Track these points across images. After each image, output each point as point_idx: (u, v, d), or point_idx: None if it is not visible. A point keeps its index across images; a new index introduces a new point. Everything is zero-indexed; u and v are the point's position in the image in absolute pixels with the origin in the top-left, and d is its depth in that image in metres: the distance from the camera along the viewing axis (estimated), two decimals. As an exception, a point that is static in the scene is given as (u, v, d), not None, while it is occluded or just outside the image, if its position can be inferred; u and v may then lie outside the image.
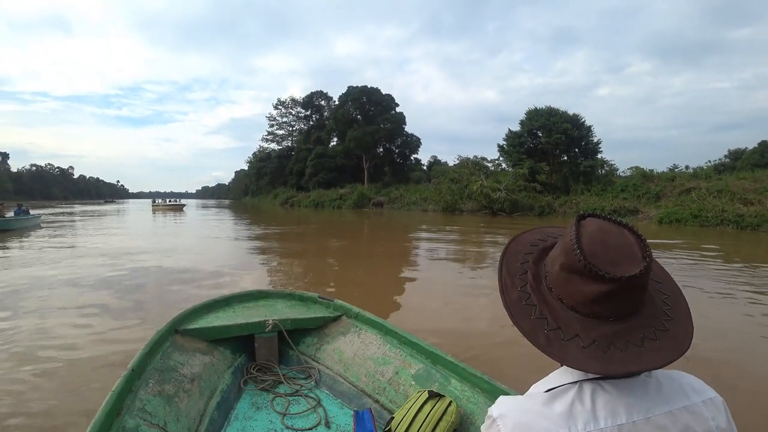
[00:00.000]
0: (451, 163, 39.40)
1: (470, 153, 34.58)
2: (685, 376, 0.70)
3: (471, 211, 28.68)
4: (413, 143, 49.14)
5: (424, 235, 15.04)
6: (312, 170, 50.77)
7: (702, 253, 10.26)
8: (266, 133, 72.19)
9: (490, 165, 32.97)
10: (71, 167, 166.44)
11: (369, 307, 2.47)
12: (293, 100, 69.16)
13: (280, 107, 69.75)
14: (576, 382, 0.66)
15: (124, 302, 4.99)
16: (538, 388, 0.71)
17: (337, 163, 50.00)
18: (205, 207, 52.04)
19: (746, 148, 34.28)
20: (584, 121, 31.11)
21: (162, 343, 2.03)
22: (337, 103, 53.46)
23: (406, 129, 48.76)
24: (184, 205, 41.79)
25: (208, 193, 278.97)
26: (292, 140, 69.93)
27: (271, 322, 2.37)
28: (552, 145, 30.06)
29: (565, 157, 31.50)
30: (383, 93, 49.26)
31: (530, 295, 0.71)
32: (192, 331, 2.25)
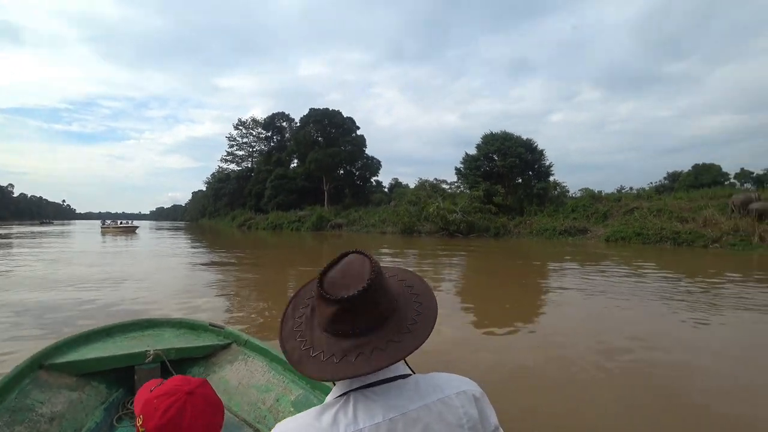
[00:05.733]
0: (413, 186, 39.81)
1: (432, 176, 35.20)
2: (444, 376, 0.82)
3: (429, 233, 28.80)
4: (373, 166, 49.45)
5: (384, 258, 14.83)
6: (272, 192, 49.90)
7: (640, 268, 10.60)
8: (226, 154, 70.73)
9: (448, 187, 33.48)
10: (11, 185, 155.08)
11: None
12: (254, 120, 68.37)
13: (240, 127, 68.70)
14: (344, 395, 0.77)
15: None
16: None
17: (298, 185, 49.41)
18: (159, 229, 49.70)
19: (682, 170, 36.59)
20: (537, 146, 32.30)
21: (20, 380, 1.86)
22: (298, 124, 53.24)
23: (366, 152, 49.16)
24: (136, 227, 39.70)
25: (164, 215, 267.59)
26: (252, 161, 68.79)
27: (152, 352, 2.19)
28: (507, 168, 30.91)
29: (520, 180, 32.40)
30: (344, 116, 49.59)
31: (302, 323, 0.84)
32: (60, 366, 2.05)
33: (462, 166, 33.66)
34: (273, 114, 65.97)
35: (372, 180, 51.81)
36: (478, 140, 33.39)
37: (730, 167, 36.12)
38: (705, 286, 8.73)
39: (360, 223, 37.24)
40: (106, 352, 2.22)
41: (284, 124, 65.76)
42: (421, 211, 29.46)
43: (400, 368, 0.81)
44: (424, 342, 0.77)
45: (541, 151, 32.27)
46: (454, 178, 34.68)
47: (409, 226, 29.82)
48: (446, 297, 7.81)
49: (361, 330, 0.76)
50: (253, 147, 69.72)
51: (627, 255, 15.57)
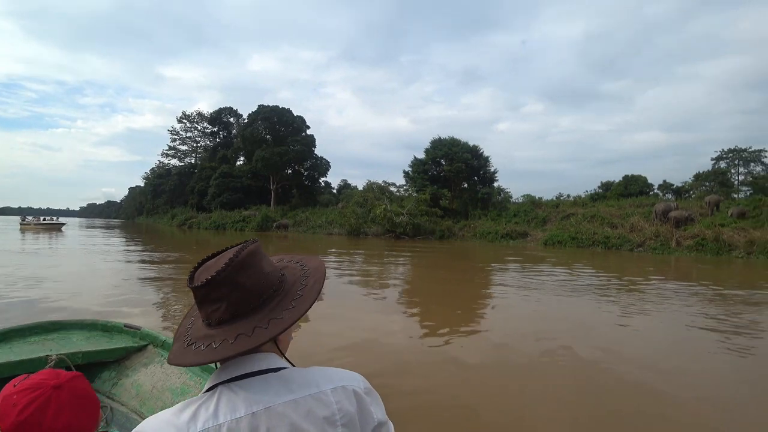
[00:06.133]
0: (361, 188, 39.85)
1: (382, 178, 35.41)
2: (324, 371, 0.79)
3: (375, 234, 28.94)
4: (322, 166, 48.87)
5: (330, 259, 14.63)
6: (216, 190, 47.91)
7: (576, 269, 11.25)
8: (167, 148, 67.17)
9: (396, 190, 33.85)
10: None
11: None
12: (200, 114, 65.53)
13: (184, 121, 65.50)
14: (212, 389, 0.74)
15: None
16: None
17: (243, 184, 47.82)
18: (90, 227, 46.13)
19: (614, 180, 39.30)
20: (483, 152, 33.48)
21: None
22: (246, 120, 51.58)
23: (315, 152, 48.48)
24: (62, 225, 36.60)
25: (96, 212, 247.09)
26: (196, 157, 65.86)
27: (54, 356, 1.98)
28: (454, 173, 31.74)
29: (466, 185, 33.43)
30: (294, 114, 48.69)
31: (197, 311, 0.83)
32: None
33: (410, 169, 34.18)
34: (220, 108, 63.71)
35: (320, 181, 51.27)
36: (428, 144, 34.10)
37: (654, 179, 39.21)
38: (632, 284, 9.51)
39: (307, 224, 36.69)
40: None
41: (231, 119, 63.63)
42: (368, 213, 29.54)
43: (276, 361, 0.77)
44: (279, 332, 0.74)
45: (487, 157, 33.48)
46: (403, 181, 35.20)
47: (356, 227, 29.80)
48: (392, 295, 7.94)
49: (218, 320, 0.75)
50: (198, 142, 66.84)
51: (563, 257, 16.48)
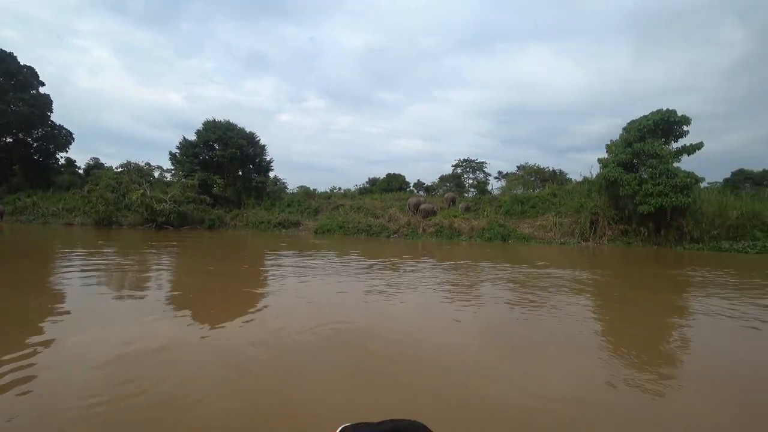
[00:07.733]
0: (117, 169, 33.59)
1: (146, 159, 30.87)
2: None
3: (132, 224, 25.21)
4: (62, 138, 38.86)
5: (75, 255, 11.86)
6: None
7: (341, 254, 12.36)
8: None
9: (159, 174, 30.25)
10: None
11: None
12: None
13: None
14: None
15: None
16: None
17: (-74, 151, 34.48)
18: None
19: (380, 177, 44.71)
20: (259, 140, 33.05)
21: None
22: (-66, 62, 37.00)
23: (53, 118, 38.44)
24: None
25: None
26: None
27: None
28: (227, 159, 30.33)
29: (240, 172, 32.43)
30: (21, 63, 37.39)
31: None
32: None
33: (178, 152, 31.04)
34: None
35: (59, 156, 40.71)
36: (201, 126, 31.49)
37: (411, 178, 46.81)
38: (392, 264, 11.35)
39: (35, 211, 29.02)
40: None
41: None
42: (122, 199, 25.46)
43: None
44: None
45: (264, 146, 33.22)
46: (170, 165, 31.66)
47: (105, 216, 25.21)
48: (156, 296, 6.95)
49: None
50: None
51: (332, 244, 18.19)
